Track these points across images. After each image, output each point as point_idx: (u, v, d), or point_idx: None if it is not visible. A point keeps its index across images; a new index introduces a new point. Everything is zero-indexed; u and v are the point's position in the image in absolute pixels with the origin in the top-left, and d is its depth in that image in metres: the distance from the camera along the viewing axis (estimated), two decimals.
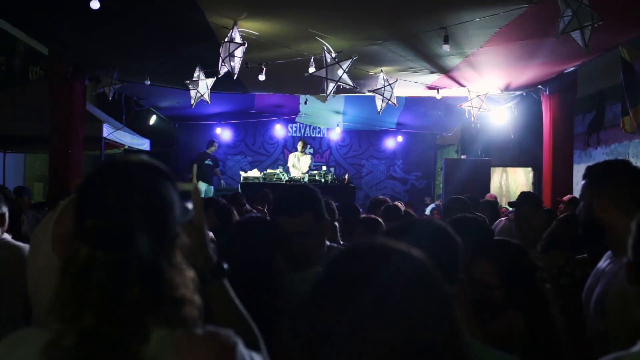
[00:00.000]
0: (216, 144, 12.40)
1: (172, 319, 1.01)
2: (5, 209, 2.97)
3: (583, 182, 2.08)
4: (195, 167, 11.81)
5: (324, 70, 6.18)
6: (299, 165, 11.43)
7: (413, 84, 8.34)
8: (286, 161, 12.20)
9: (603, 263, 2.05)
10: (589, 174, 2.07)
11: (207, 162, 11.91)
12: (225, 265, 1.43)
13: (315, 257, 2.02)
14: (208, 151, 12.13)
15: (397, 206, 4.76)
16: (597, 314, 1.91)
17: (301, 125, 14.38)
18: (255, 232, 2.05)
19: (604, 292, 1.91)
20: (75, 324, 0.97)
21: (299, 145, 11.72)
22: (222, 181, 12.77)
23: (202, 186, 11.67)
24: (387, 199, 5.29)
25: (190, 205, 1.21)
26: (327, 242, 2.16)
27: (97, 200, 1.03)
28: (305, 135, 14.55)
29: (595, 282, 2.03)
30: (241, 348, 1.05)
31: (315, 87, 6.84)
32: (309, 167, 11.53)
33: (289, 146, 14.27)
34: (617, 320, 1.79)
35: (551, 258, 3.04)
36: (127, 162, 1.10)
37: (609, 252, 2.06)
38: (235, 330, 1.08)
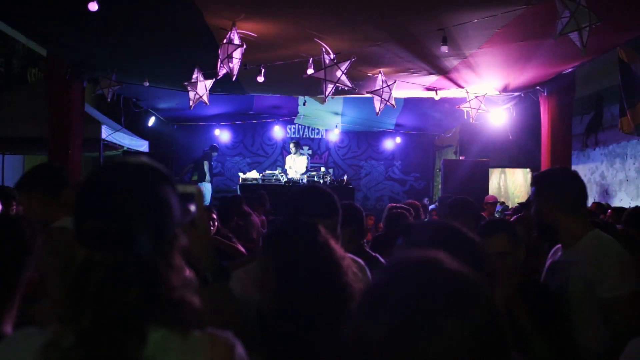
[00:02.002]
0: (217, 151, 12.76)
1: (170, 320, 1.01)
2: None
3: (532, 188, 2.35)
4: (206, 164, 12.00)
5: (322, 71, 6.19)
6: (295, 166, 11.45)
7: (411, 85, 8.35)
8: (284, 162, 12.22)
9: (555, 256, 2.35)
10: (536, 182, 2.35)
11: (212, 162, 12.20)
12: (227, 267, 1.44)
13: None
14: (213, 153, 12.33)
15: (402, 214, 4.59)
16: (561, 299, 2.17)
17: (300, 126, 14.39)
18: None
19: (566, 278, 2.16)
20: (73, 324, 0.97)
21: (292, 147, 11.76)
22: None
23: (207, 186, 11.76)
24: (405, 212, 4.92)
25: (193, 207, 1.21)
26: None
27: (95, 203, 1.04)
28: (304, 136, 14.56)
29: (552, 272, 2.31)
30: (240, 349, 1.05)
31: (314, 88, 6.85)
32: (306, 167, 11.55)
33: (287, 147, 14.27)
34: (581, 301, 2.10)
35: None
36: (125, 164, 1.10)
37: (558, 246, 2.36)
38: (235, 331, 1.08)
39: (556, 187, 2.29)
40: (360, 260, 2.14)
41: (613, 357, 1.59)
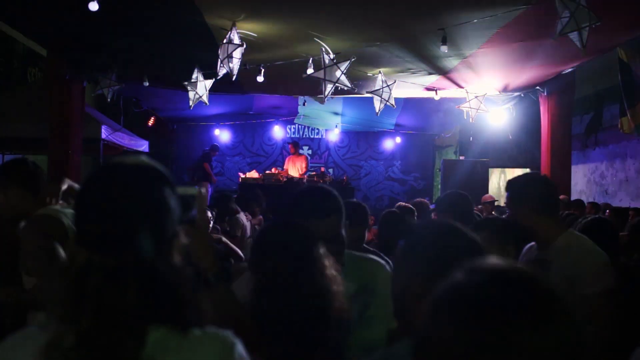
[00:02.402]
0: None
1: (170, 319, 1.01)
2: None
3: (506, 194, 2.52)
4: (207, 166, 12.03)
5: (322, 71, 6.19)
6: (295, 166, 11.46)
7: (411, 85, 8.35)
8: (284, 162, 12.23)
9: (529, 255, 2.50)
10: (510, 187, 2.51)
11: (211, 163, 12.22)
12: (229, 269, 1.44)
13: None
14: (212, 153, 12.33)
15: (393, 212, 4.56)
16: None
17: (300, 126, 14.38)
18: None
19: (546, 276, 2.30)
20: (73, 325, 0.97)
21: (291, 148, 11.78)
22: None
23: (208, 187, 11.79)
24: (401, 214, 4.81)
25: (193, 209, 1.21)
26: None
27: (94, 205, 1.04)
28: (304, 136, 14.56)
29: None
30: (240, 348, 1.06)
31: (314, 88, 6.85)
32: (306, 167, 11.57)
33: (287, 147, 14.28)
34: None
35: None
36: (124, 165, 1.10)
37: (531, 244, 2.52)
38: (236, 331, 1.08)
39: (529, 191, 2.45)
40: (380, 259, 2.12)
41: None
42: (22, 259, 2.50)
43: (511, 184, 2.53)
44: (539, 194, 2.43)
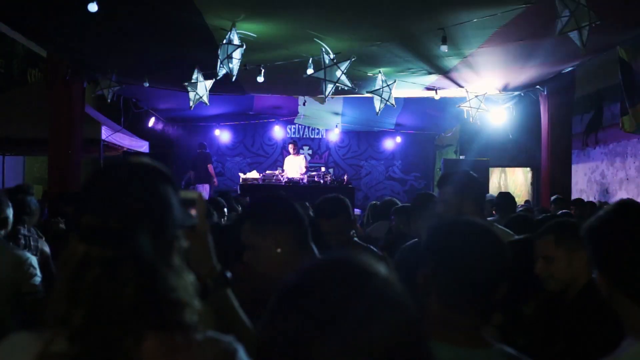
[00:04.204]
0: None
1: (169, 323, 0.99)
2: (9, 212, 2.98)
3: (449, 188, 2.65)
4: (211, 168, 12.04)
5: (322, 71, 6.19)
6: (294, 166, 11.47)
7: (411, 84, 8.35)
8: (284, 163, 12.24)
9: None
10: (454, 183, 2.66)
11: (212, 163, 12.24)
12: (229, 274, 1.43)
13: None
14: (204, 151, 12.33)
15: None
16: None
17: (300, 126, 14.38)
18: None
19: None
20: (66, 323, 0.96)
21: (290, 148, 11.79)
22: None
23: (207, 188, 11.79)
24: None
25: (194, 213, 1.21)
26: None
27: (95, 199, 1.04)
28: (304, 136, 14.56)
29: None
30: (242, 355, 1.04)
31: (314, 88, 6.85)
32: (305, 167, 11.58)
33: (288, 147, 14.28)
34: None
35: None
36: (127, 163, 1.10)
37: None
38: (237, 338, 1.07)
39: (475, 187, 2.66)
40: (377, 251, 2.13)
41: None
42: None
43: (446, 180, 2.76)
44: (475, 189, 2.68)
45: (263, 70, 7.13)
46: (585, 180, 11.36)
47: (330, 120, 13.35)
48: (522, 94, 8.91)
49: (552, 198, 7.42)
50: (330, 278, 0.79)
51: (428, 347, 0.81)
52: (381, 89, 7.45)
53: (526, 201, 11.20)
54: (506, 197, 5.47)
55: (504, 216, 4.72)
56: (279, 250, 1.75)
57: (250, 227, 1.77)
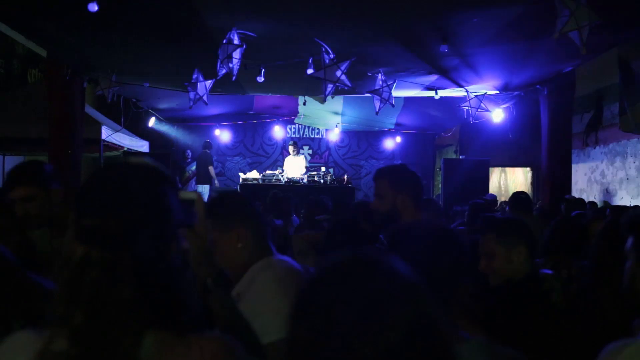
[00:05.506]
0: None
1: (168, 322, 1.00)
2: None
3: (384, 181, 2.57)
4: (211, 169, 12.05)
5: (322, 71, 6.19)
6: (294, 166, 11.48)
7: (411, 84, 8.35)
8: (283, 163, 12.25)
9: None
10: (388, 176, 2.58)
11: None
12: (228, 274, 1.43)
13: None
14: (208, 150, 12.32)
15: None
16: None
17: (300, 126, 14.38)
18: None
19: None
20: (66, 323, 0.96)
21: (290, 148, 11.80)
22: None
23: (207, 188, 11.80)
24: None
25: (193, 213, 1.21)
26: None
27: (94, 200, 1.03)
28: (304, 136, 14.56)
29: None
30: (240, 353, 1.04)
31: (314, 88, 6.85)
32: (305, 167, 11.58)
33: (288, 148, 14.29)
34: None
35: (549, 262, 3.02)
36: (127, 164, 1.10)
37: None
38: (237, 338, 1.07)
39: (410, 180, 2.58)
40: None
41: None
42: None
43: (387, 172, 2.66)
44: (414, 182, 2.60)
45: (263, 70, 7.13)
46: (585, 180, 11.36)
47: (330, 120, 13.35)
48: (522, 94, 8.91)
49: (567, 196, 7.33)
50: (354, 274, 0.81)
51: (446, 342, 0.82)
52: (381, 89, 7.45)
53: None
54: (516, 197, 5.41)
55: (520, 215, 4.70)
56: (239, 245, 1.82)
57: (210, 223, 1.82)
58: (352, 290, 0.79)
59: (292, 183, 10.46)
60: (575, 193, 9.98)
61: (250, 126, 14.17)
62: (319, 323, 0.77)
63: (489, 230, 2.34)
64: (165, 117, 12.66)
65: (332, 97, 7.94)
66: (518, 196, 5.38)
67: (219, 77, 6.40)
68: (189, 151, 12.69)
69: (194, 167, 12.45)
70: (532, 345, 1.61)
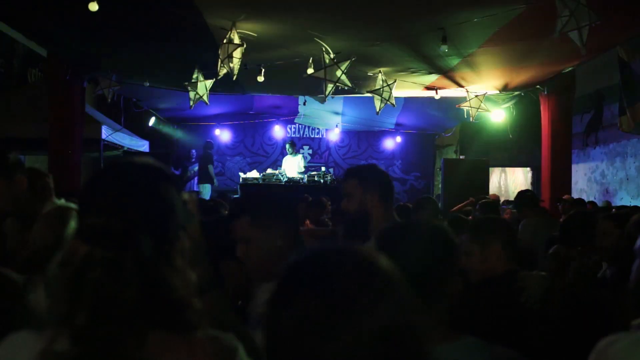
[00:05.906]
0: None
1: (171, 321, 1.00)
2: None
3: (353, 180, 2.51)
4: (210, 168, 12.06)
5: (322, 71, 6.19)
6: (292, 166, 11.48)
7: (411, 84, 8.35)
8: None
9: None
10: (357, 175, 2.53)
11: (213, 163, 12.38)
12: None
13: None
14: (209, 151, 12.33)
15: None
16: None
17: (300, 126, 14.38)
18: None
19: None
20: (68, 323, 0.96)
21: (288, 148, 11.83)
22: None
23: (208, 188, 11.80)
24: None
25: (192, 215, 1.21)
26: None
27: (97, 199, 1.03)
28: (304, 136, 14.57)
29: None
30: (242, 353, 1.04)
31: (314, 88, 6.85)
32: (304, 167, 11.58)
33: (285, 147, 14.30)
34: None
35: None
36: (130, 163, 1.10)
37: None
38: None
39: (380, 180, 2.53)
40: None
41: None
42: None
43: (358, 172, 2.59)
44: (384, 183, 2.54)
45: (263, 70, 7.13)
46: (585, 180, 11.36)
47: (330, 120, 13.35)
48: (523, 94, 8.91)
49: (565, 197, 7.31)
50: (336, 265, 0.81)
51: (420, 339, 0.82)
52: (381, 89, 7.46)
53: None
54: (521, 196, 5.43)
55: (524, 215, 4.70)
56: (279, 243, 1.81)
57: (248, 220, 1.83)
58: (327, 280, 0.80)
59: (292, 183, 10.46)
60: (575, 193, 9.98)
61: (251, 126, 14.18)
62: (294, 312, 0.78)
63: (466, 231, 2.43)
64: (166, 116, 12.65)
65: (333, 97, 7.93)
66: (524, 194, 5.43)
67: (219, 77, 6.40)
68: (193, 150, 12.69)
69: (196, 168, 12.43)
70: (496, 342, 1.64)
